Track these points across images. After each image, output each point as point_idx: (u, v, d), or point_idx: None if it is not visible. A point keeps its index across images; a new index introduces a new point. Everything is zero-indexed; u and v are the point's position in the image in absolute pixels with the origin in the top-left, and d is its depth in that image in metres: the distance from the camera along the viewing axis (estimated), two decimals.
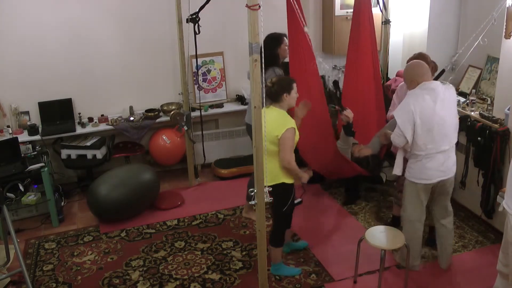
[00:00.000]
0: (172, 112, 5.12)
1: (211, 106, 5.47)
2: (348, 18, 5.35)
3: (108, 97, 5.24)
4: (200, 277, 3.78)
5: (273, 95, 3.40)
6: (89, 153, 4.94)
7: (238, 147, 5.60)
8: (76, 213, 4.82)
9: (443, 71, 4.03)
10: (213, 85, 5.59)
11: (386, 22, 5.32)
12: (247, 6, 2.55)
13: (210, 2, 4.36)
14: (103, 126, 5.06)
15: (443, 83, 3.52)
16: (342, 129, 4.37)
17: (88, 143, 4.95)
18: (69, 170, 5.24)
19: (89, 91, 5.16)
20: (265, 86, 3.52)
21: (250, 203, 3.04)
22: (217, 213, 4.71)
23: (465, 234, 4.22)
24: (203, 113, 5.24)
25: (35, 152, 4.67)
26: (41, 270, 3.93)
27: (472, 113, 4.25)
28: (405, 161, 3.60)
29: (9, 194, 4.33)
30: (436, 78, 3.90)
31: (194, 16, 4.52)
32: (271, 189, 2.96)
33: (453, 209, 3.75)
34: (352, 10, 5.24)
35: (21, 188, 4.42)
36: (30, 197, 4.50)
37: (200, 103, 5.25)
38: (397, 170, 3.64)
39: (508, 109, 3.87)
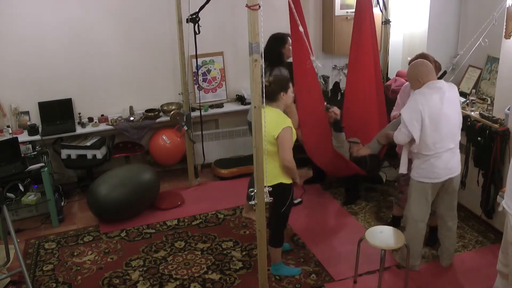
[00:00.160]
0: (172, 112, 5.12)
1: (211, 106, 5.47)
2: (348, 18, 5.35)
3: (108, 97, 5.24)
4: (200, 277, 3.78)
5: (270, 94, 3.40)
6: (89, 153, 4.94)
7: (238, 147, 5.60)
8: (76, 213, 4.82)
9: (445, 73, 4.03)
10: (213, 85, 5.59)
11: (386, 22, 5.33)
12: (247, 6, 2.55)
13: (210, 2, 4.37)
14: (103, 126, 5.06)
15: (446, 82, 3.53)
16: (331, 126, 4.38)
17: (88, 143, 4.95)
18: (69, 170, 5.24)
19: (89, 91, 5.16)
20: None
21: (250, 203, 3.04)
22: (217, 213, 4.71)
23: (465, 234, 4.22)
24: (203, 113, 5.24)
25: (35, 152, 4.67)
26: (41, 270, 3.93)
27: (472, 113, 4.25)
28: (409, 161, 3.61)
29: (9, 194, 4.33)
30: (439, 78, 3.89)
31: (194, 16, 4.52)
32: (271, 189, 2.96)
33: None
34: (352, 10, 5.26)
35: (21, 188, 4.42)
36: (30, 197, 4.50)
37: (200, 103, 5.25)
38: (402, 168, 3.64)
39: (508, 109, 3.87)
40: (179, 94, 5.23)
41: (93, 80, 5.16)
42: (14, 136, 4.69)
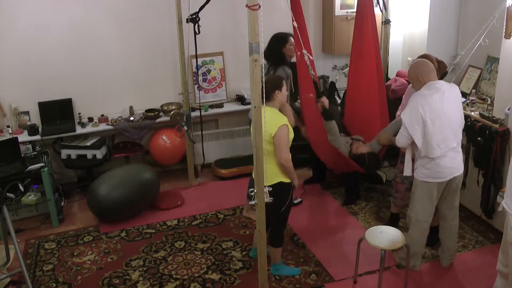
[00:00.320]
0: (172, 112, 5.12)
1: (211, 106, 5.47)
2: (348, 18, 5.36)
3: (108, 97, 5.24)
4: (200, 277, 3.78)
5: (265, 93, 3.41)
6: (89, 153, 4.94)
7: (238, 147, 5.60)
8: (76, 213, 4.82)
9: (445, 73, 4.03)
10: (213, 85, 5.59)
11: (386, 22, 5.32)
12: (247, 6, 2.55)
13: (210, 2, 4.37)
14: (103, 126, 5.06)
15: (446, 82, 3.53)
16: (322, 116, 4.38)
17: (88, 143, 4.94)
18: (69, 170, 5.24)
19: (89, 91, 5.16)
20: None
21: (250, 203, 3.04)
22: (217, 213, 4.71)
23: (465, 234, 4.22)
24: (203, 113, 5.24)
25: (35, 152, 4.67)
26: (41, 270, 3.93)
27: (472, 113, 4.25)
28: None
29: (9, 194, 4.33)
30: (441, 78, 3.90)
31: (194, 16, 4.52)
32: (271, 189, 2.96)
33: None
34: (352, 10, 5.27)
35: (21, 188, 4.42)
36: (30, 197, 4.50)
37: (200, 103, 5.25)
38: (407, 170, 3.62)
39: (508, 109, 3.87)
40: (179, 94, 5.22)
41: (93, 80, 5.16)
42: (14, 136, 4.69)
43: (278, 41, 4.48)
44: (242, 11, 2.66)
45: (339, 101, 5.34)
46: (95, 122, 5.10)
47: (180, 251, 4.12)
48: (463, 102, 4.44)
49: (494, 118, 4.01)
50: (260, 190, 2.93)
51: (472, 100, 4.40)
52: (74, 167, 5.11)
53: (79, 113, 5.13)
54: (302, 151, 5.06)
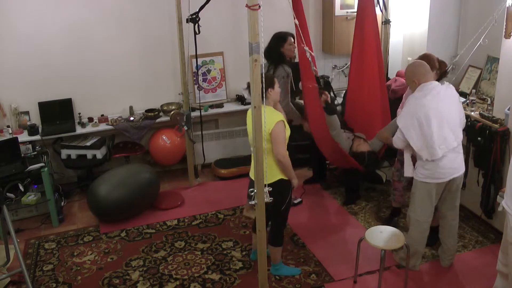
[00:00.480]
0: (172, 112, 5.12)
1: (211, 106, 5.47)
2: (348, 18, 5.36)
3: (108, 97, 5.24)
4: (200, 277, 3.78)
5: None
6: (89, 153, 4.94)
7: (238, 147, 5.60)
8: (76, 213, 4.82)
9: (446, 72, 4.03)
10: (213, 85, 5.59)
11: (386, 22, 5.32)
12: (247, 6, 2.55)
13: (210, 2, 4.37)
14: (103, 126, 5.06)
15: (442, 83, 3.53)
16: (325, 112, 4.40)
17: (88, 143, 4.94)
18: (69, 170, 5.24)
19: (89, 91, 5.16)
20: (249, 86, 3.56)
21: (250, 203, 3.04)
22: (217, 213, 4.71)
23: (465, 234, 4.22)
24: (203, 113, 5.24)
25: (35, 152, 4.67)
26: (41, 270, 3.93)
27: (472, 113, 4.25)
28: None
29: (9, 194, 4.31)
30: (440, 77, 3.91)
31: (194, 16, 4.52)
32: (271, 189, 2.96)
33: None
34: (352, 10, 5.27)
35: (21, 188, 4.40)
36: (30, 197, 4.50)
37: (200, 103, 5.25)
38: (408, 172, 3.60)
39: (508, 109, 3.87)
40: (179, 94, 5.23)
41: (93, 80, 5.16)
42: (14, 136, 4.69)
43: (277, 40, 4.49)
44: (242, 11, 2.66)
45: (339, 100, 5.33)
46: (95, 122, 5.10)
47: (180, 251, 4.12)
48: (463, 102, 4.45)
49: (494, 118, 4.01)
50: (260, 190, 2.93)
51: (472, 100, 4.40)
52: (74, 167, 5.11)
53: (79, 113, 5.13)
54: (302, 151, 5.07)
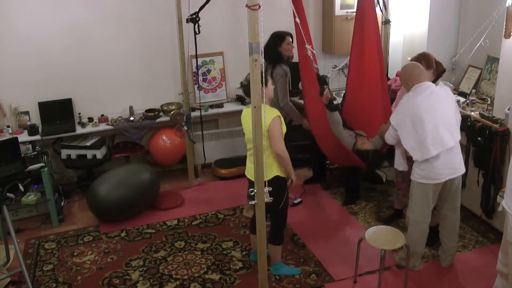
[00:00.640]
0: (172, 112, 5.12)
1: (211, 106, 5.47)
2: (348, 18, 5.36)
3: (108, 97, 5.24)
4: (200, 277, 3.78)
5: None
6: (89, 153, 4.94)
7: (238, 147, 5.60)
8: (76, 213, 4.82)
9: (443, 71, 4.04)
10: (213, 85, 5.59)
11: (386, 22, 5.32)
12: (247, 6, 2.55)
13: (210, 2, 4.37)
14: (103, 126, 5.06)
15: (437, 84, 3.56)
16: (327, 109, 4.40)
17: (88, 143, 4.94)
18: (69, 170, 5.24)
19: (89, 91, 5.16)
20: (242, 86, 3.58)
21: (250, 203, 3.04)
22: (217, 213, 4.71)
23: (465, 234, 4.22)
24: (203, 113, 5.24)
25: (35, 152, 4.67)
26: (41, 270, 3.93)
27: (472, 113, 4.25)
28: (410, 160, 3.62)
29: (9, 194, 4.32)
30: (437, 78, 3.92)
31: (194, 16, 4.52)
32: (271, 189, 2.96)
33: None
34: (352, 10, 5.26)
35: (21, 188, 4.40)
36: (30, 197, 4.50)
37: (200, 103, 5.25)
38: (400, 166, 3.66)
39: (508, 109, 3.87)
40: (179, 94, 5.23)
41: (93, 80, 5.15)
42: (14, 136, 4.69)
43: (275, 39, 4.48)
44: (242, 11, 2.66)
45: (339, 100, 5.32)
46: (95, 122, 5.10)
47: (180, 251, 4.12)
48: (463, 102, 4.46)
49: (494, 118, 4.01)
50: (260, 190, 2.93)
51: (472, 100, 4.40)
52: (74, 167, 5.11)
53: (79, 113, 5.13)
54: (302, 151, 5.07)
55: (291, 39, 4.50)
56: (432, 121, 3.35)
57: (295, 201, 4.79)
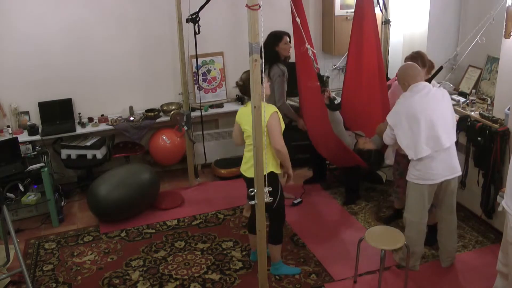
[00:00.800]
0: (172, 112, 5.12)
1: (211, 106, 5.47)
2: (348, 18, 5.35)
3: (108, 97, 5.24)
4: (200, 277, 3.78)
5: (248, 90, 3.42)
6: (89, 153, 4.94)
7: (238, 147, 5.58)
8: (76, 213, 4.82)
9: (440, 68, 4.05)
10: (213, 85, 5.59)
11: (386, 22, 5.32)
12: (247, 6, 2.55)
13: (210, 2, 4.37)
14: (103, 126, 5.06)
15: (433, 85, 3.58)
16: (327, 109, 4.40)
17: (88, 143, 4.94)
18: (69, 170, 5.24)
19: (89, 91, 5.16)
20: (237, 85, 3.59)
21: (250, 203, 3.04)
22: (217, 213, 4.71)
23: (465, 234, 4.22)
24: (203, 113, 5.24)
25: (35, 152, 4.67)
26: (41, 270, 3.93)
27: (472, 113, 4.25)
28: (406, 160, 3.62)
29: (9, 194, 4.32)
30: (434, 76, 3.94)
31: (194, 16, 4.52)
32: (271, 189, 2.96)
33: None
34: (352, 10, 5.24)
35: (21, 188, 4.40)
36: (30, 197, 4.50)
37: (200, 103, 5.25)
38: (387, 159, 3.79)
39: (508, 109, 3.87)
40: (179, 94, 5.23)
41: (93, 80, 5.16)
42: (14, 136, 4.69)
43: (272, 39, 4.47)
44: (242, 11, 2.66)
45: (339, 99, 5.32)
46: (95, 122, 5.10)
47: (180, 251, 4.12)
48: (463, 102, 4.46)
49: (494, 118, 4.01)
50: (260, 190, 2.93)
51: (472, 100, 4.40)
52: (74, 167, 5.11)
53: (79, 113, 5.13)
54: (302, 151, 5.06)
55: (288, 39, 4.50)
56: (427, 121, 3.36)
57: (295, 201, 4.79)
